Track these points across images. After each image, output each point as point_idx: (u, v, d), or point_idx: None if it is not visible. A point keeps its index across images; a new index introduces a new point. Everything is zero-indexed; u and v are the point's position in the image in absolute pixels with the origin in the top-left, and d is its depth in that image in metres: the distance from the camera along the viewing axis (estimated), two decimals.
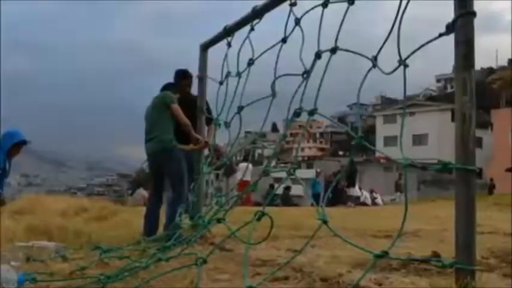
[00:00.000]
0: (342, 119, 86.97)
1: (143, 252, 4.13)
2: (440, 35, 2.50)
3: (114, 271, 3.28)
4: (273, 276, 2.92)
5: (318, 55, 3.32)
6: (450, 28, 2.45)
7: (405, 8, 2.68)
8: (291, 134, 71.56)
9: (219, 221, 3.44)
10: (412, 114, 48.07)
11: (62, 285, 3.14)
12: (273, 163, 5.27)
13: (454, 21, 2.43)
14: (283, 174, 3.33)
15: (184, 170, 5.42)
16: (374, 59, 2.87)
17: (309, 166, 49.53)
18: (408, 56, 2.65)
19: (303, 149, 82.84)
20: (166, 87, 5.92)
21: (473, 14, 2.42)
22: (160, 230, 5.39)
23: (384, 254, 2.36)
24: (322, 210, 2.76)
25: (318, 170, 23.58)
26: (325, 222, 2.67)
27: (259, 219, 2.91)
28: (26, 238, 5.16)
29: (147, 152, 5.66)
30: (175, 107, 5.47)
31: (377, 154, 44.25)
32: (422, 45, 2.63)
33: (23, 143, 5.71)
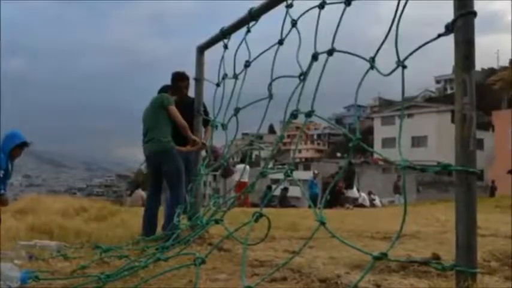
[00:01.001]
0: (339, 121, 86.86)
1: (142, 252, 4.14)
2: (440, 35, 2.48)
3: (113, 270, 3.29)
4: (271, 276, 2.91)
5: (314, 57, 3.31)
6: (449, 28, 2.43)
7: (403, 8, 2.67)
8: (288, 136, 71.80)
9: (216, 221, 3.44)
10: (410, 115, 48.05)
11: (64, 283, 3.15)
12: (271, 165, 5.27)
13: (453, 21, 2.41)
14: (280, 176, 3.32)
15: (182, 171, 5.41)
16: (372, 60, 2.85)
17: (307, 168, 49.27)
18: (407, 57, 2.63)
19: (300, 151, 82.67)
20: (163, 89, 5.92)
21: (474, 13, 2.40)
22: (159, 230, 5.38)
23: (383, 256, 2.35)
24: (320, 212, 2.75)
25: (316, 172, 23.52)
26: (323, 223, 2.66)
27: (256, 220, 2.90)
28: (28, 237, 5.19)
29: (145, 153, 5.66)
30: (173, 108, 5.47)
31: (375, 156, 44.23)
32: (421, 46, 2.61)
33: (25, 144, 5.70)
